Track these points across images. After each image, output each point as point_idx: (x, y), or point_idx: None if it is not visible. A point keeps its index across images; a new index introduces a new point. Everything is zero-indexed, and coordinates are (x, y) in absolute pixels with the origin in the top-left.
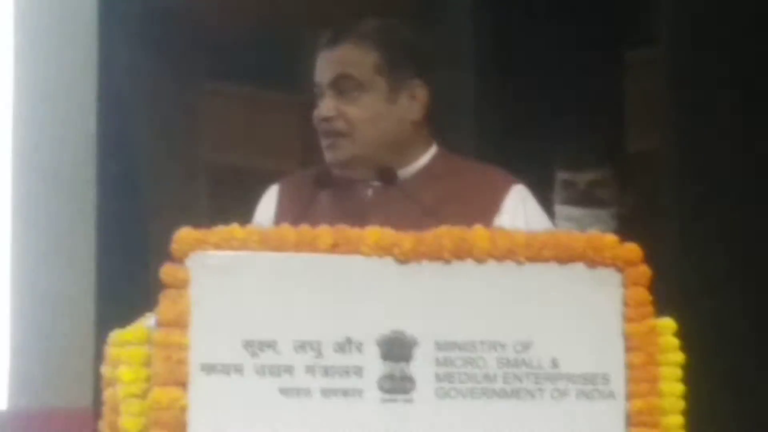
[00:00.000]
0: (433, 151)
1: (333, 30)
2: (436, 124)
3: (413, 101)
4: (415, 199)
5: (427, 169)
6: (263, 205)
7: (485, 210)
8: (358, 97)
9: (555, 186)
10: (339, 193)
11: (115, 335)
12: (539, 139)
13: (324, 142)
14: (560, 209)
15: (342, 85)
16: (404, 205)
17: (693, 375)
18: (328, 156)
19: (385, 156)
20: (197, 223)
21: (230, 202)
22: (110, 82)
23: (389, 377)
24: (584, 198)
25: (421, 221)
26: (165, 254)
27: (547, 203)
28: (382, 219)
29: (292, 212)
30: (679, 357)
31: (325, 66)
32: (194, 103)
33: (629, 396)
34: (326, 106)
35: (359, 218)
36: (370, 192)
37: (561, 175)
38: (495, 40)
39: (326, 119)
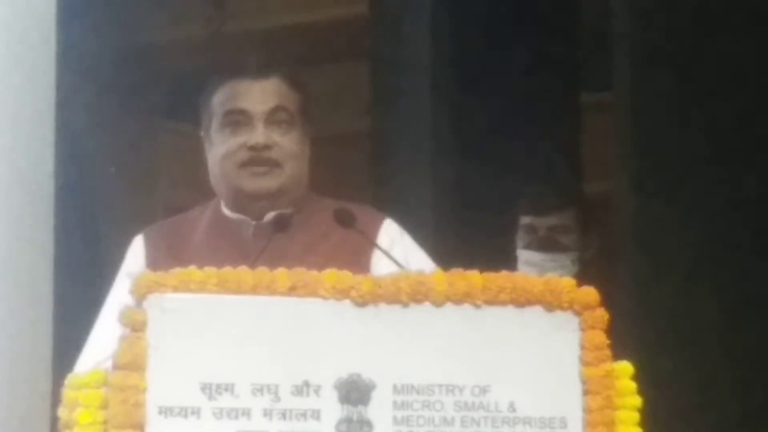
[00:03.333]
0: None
1: (254, 60)
2: None
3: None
4: (294, 239)
5: (302, 209)
6: (131, 258)
7: (362, 246)
8: (289, 131)
9: (518, 230)
10: (217, 235)
11: (72, 378)
12: (501, 184)
13: (253, 171)
14: (522, 254)
15: (277, 117)
16: (284, 243)
17: (651, 419)
18: (255, 185)
19: (296, 194)
20: None
21: None
22: (68, 122)
23: (347, 420)
24: (545, 243)
25: (303, 259)
26: None
27: (510, 247)
28: (267, 259)
29: (167, 260)
30: (637, 401)
31: (257, 95)
32: (152, 142)
33: None
34: (262, 135)
35: (243, 258)
36: (251, 231)
37: (523, 220)
38: (454, 84)
39: (263, 147)
